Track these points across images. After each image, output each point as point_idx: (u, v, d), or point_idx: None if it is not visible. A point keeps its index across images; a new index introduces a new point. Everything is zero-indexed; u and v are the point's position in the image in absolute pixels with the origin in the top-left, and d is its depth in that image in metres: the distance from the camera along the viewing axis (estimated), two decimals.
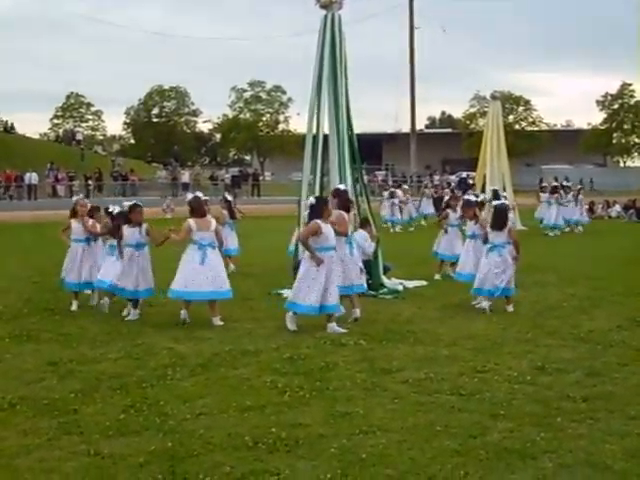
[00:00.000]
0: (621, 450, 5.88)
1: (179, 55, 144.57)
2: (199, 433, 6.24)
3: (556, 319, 11.12)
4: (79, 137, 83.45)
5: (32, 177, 49.18)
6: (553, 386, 7.61)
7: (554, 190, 28.57)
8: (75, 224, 12.42)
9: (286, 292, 12.97)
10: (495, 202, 13.05)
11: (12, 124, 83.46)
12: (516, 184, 31.96)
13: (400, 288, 13.72)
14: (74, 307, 12.04)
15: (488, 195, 24.81)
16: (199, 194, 11.55)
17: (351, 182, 13.88)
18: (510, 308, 11.77)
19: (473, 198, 14.29)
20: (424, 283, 14.49)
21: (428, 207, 33.16)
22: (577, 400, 7.10)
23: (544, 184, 30.44)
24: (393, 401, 7.13)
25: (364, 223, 13.45)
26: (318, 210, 10.53)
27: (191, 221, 10.87)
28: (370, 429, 6.33)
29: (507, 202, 13.45)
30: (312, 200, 10.86)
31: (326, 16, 13.96)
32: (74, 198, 13.20)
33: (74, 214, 12.49)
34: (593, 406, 6.93)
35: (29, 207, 43.68)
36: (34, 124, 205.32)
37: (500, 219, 11.94)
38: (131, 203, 11.78)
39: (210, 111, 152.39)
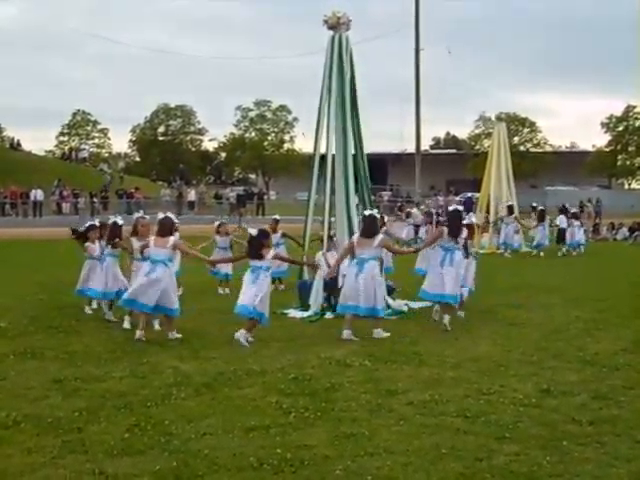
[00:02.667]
0: (627, 474, 5.86)
1: (183, 73, 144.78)
2: (204, 453, 6.22)
3: (561, 341, 11.09)
4: (84, 155, 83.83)
5: (37, 194, 49.25)
6: (559, 409, 7.58)
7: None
8: (136, 243, 12.32)
9: (291, 312, 12.99)
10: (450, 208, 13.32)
11: (18, 141, 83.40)
12: (521, 205, 32.00)
13: (405, 309, 13.69)
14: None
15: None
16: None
17: (354, 203, 13.95)
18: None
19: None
20: (429, 304, 14.43)
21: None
22: (583, 423, 7.08)
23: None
24: (398, 423, 7.11)
25: None
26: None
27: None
28: (375, 451, 6.31)
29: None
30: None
31: (334, 37, 14.04)
32: (135, 215, 13.35)
33: (135, 232, 12.55)
34: (599, 430, 6.90)
35: (34, 224, 43.76)
36: (40, 141, 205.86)
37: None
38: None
39: (214, 130, 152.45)
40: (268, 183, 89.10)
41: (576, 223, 28.79)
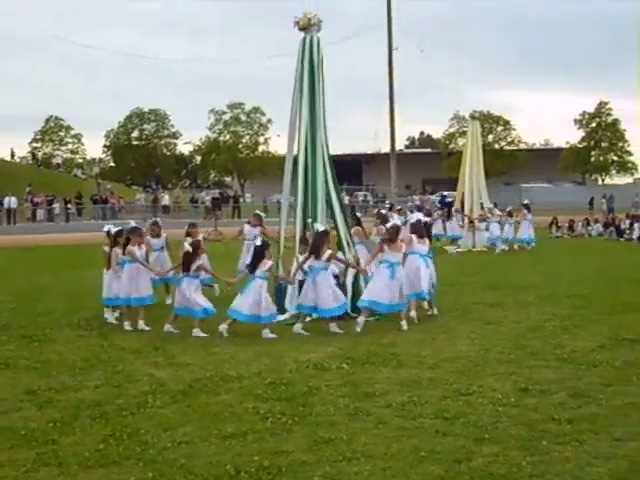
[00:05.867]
0: (607, 473, 5.83)
1: (152, 76, 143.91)
2: (180, 462, 6.13)
3: (538, 339, 11.08)
4: (58, 160, 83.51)
5: (11, 201, 48.86)
6: (538, 408, 7.55)
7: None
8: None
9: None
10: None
11: None
12: (496, 203, 32.12)
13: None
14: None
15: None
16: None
17: (322, 204, 13.88)
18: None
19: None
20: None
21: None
22: (562, 422, 7.05)
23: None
24: (377, 426, 7.05)
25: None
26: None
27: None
28: (354, 455, 6.24)
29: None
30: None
31: (305, 38, 13.95)
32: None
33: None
34: (578, 428, 6.88)
35: (8, 231, 43.37)
36: (11, 147, 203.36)
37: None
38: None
39: (187, 132, 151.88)
40: (243, 186, 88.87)
41: (528, 217, 29.81)
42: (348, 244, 13.86)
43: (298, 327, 11.96)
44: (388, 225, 13.22)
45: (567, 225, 38.36)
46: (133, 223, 12.85)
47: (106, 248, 13.43)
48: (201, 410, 7.65)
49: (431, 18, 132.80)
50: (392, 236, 12.54)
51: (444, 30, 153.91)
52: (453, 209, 31.04)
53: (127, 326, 12.38)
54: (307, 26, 13.92)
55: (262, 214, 17.97)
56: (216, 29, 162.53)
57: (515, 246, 29.31)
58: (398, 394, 8.12)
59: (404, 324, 12.15)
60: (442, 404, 7.74)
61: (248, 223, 17.51)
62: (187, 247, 12.11)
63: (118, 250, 12.91)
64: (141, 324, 12.29)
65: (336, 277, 12.94)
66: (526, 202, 31.48)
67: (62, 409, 7.77)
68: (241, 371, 9.21)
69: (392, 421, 7.20)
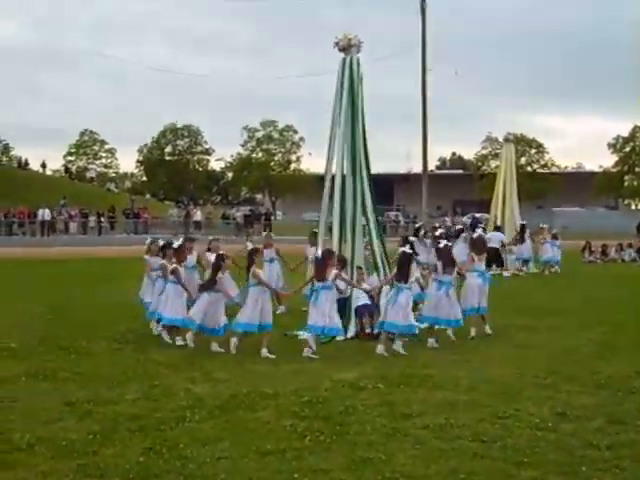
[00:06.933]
0: None
1: (186, 92, 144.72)
2: (220, 478, 6.17)
3: (573, 364, 11.02)
4: (92, 174, 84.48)
5: (45, 213, 49.35)
6: (576, 433, 7.52)
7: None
8: None
9: (302, 333, 12.89)
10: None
11: (26, 160, 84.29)
12: (528, 226, 31.90)
13: (416, 331, 13.56)
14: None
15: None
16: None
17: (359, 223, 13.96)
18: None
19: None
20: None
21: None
22: (601, 448, 7.01)
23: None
24: (414, 447, 7.05)
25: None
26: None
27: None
28: (393, 475, 6.25)
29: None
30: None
31: (344, 59, 14.07)
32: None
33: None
34: (618, 454, 6.84)
35: (42, 244, 43.76)
36: (47, 160, 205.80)
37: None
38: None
39: (219, 149, 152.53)
40: (275, 203, 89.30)
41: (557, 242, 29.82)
42: (383, 264, 13.86)
43: (381, 348, 11.84)
44: (475, 236, 14.28)
45: (600, 250, 38.05)
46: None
47: (157, 260, 13.42)
48: (239, 426, 7.69)
49: (465, 40, 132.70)
50: (479, 247, 13.67)
51: (477, 52, 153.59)
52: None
53: (180, 340, 12.32)
54: (347, 47, 14.04)
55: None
56: (249, 46, 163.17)
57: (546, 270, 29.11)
58: (435, 415, 8.12)
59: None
60: (479, 427, 7.72)
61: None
62: (317, 254, 12.14)
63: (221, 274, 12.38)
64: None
65: (371, 297, 12.97)
66: (545, 225, 31.53)
67: (101, 421, 7.85)
68: (278, 388, 9.24)
69: (430, 442, 7.20)
